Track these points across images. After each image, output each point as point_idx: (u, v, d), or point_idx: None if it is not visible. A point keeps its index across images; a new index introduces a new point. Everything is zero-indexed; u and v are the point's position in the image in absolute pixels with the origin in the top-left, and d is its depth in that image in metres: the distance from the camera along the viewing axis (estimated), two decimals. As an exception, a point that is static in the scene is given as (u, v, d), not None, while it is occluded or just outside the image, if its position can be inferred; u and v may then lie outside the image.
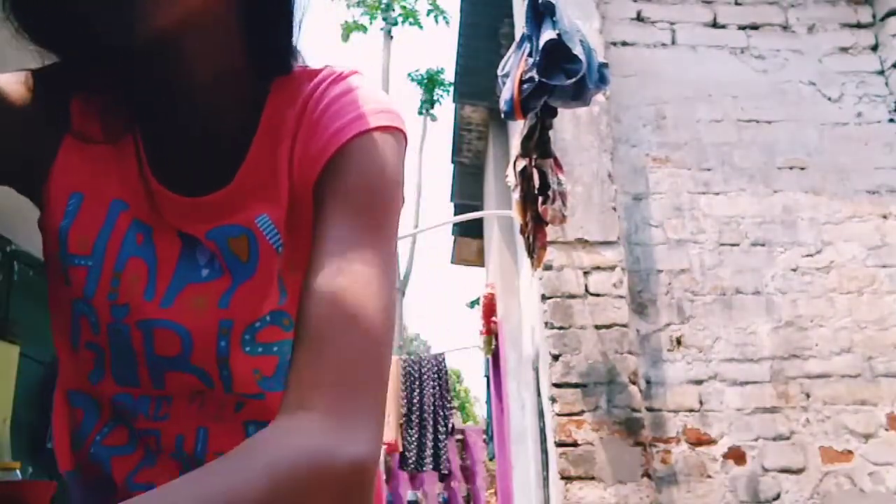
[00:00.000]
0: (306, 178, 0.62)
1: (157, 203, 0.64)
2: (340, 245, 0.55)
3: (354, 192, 0.59)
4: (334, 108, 0.63)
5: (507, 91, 2.92)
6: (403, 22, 16.16)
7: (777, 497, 3.15)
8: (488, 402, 7.40)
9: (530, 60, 2.82)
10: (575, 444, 3.06)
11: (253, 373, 0.65)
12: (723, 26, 3.92)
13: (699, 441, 3.21)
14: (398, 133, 0.63)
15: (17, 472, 2.93)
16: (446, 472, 7.90)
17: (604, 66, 2.89)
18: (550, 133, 3.04)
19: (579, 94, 2.83)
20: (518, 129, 3.18)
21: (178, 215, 0.64)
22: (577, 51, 2.75)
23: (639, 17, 3.90)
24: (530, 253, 3.19)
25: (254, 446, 0.44)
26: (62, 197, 0.62)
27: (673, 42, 3.88)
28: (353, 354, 0.50)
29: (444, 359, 7.71)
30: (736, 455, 3.20)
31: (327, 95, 0.64)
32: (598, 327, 3.23)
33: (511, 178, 3.12)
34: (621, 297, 3.29)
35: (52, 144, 0.63)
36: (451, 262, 8.59)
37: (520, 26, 3.20)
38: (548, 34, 2.75)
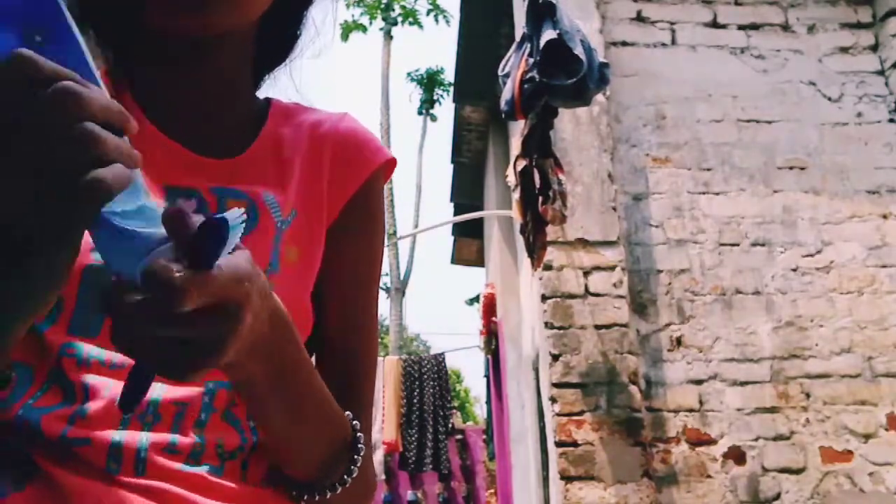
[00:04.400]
0: (337, 195, 0.71)
1: (153, 156, 0.62)
2: (371, 285, 0.75)
3: (380, 224, 0.75)
4: (360, 141, 0.74)
5: (508, 91, 2.92)
6: (403, 22, 16.16)
7: (777, 497, 3.15)
8: (488, 402, 7.40)
9: (531, 60, 2.82)
10: (575, 444, 3.06)
11: None
12: (723, 26, 3.92)
13: (699, 441, 3.21)
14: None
15: None
16: (446, 472, 7.90)
17: (604, 65, 2.89)
18: (550, 133, 3.04)
19: (580, 94, 2.83)
20: (518, 129, 3.18)
21: (179, 168, 0.64)
22: (578, 51, 2.75)
23: (639, 17, 3.90)
24: (530, 253, 3.19)
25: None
26: None
27: (673, 42, 3.88)
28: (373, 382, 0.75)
29: (444, 359, 7.71)
30: (736, 455, 3.20)
31: (345, 128, 0.74)
32: (598, 327, 3.23)
33: (511, 178, 3.12)
34: (621, 297, 3.29)
35: None
36: (451, 262, 8.59)
37: (520, 26, 3.20)
38: (548, 34, 2.75)
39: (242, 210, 0.43)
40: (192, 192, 0.64)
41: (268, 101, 0.76)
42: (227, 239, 0.41)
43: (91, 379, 0.57)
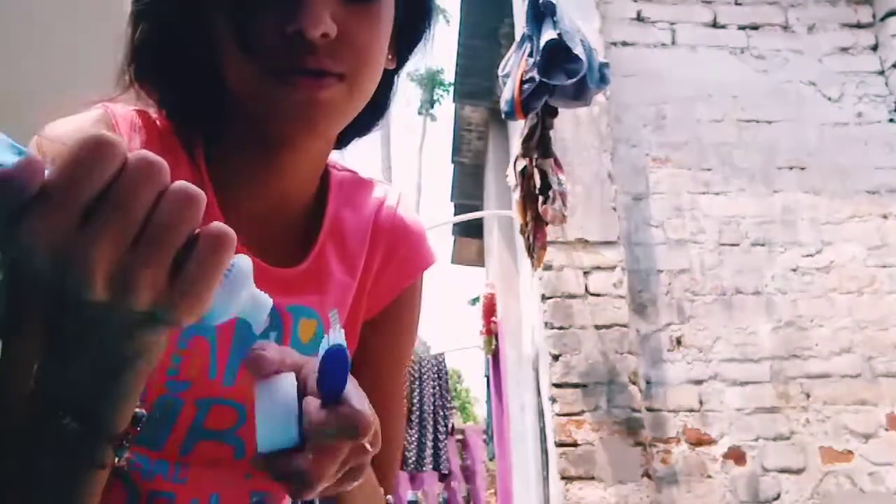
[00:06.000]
0: (384, 292, 0.74)
1: None
2: (404, 363, 0.79)
3: (415, 323, 0.80)
4: (412, 242, 0.76)
5: (508, 91, 2.92)
6: (403, 22, 16.11)
7: (777, 497, 3.15)
8: (488, 402, 7.40)
9: (531, 60, 2.82)
10: (575, 444, 3.06)
11: None
12: (723, 26, 3.92)
13: (699, 441, 3.21)
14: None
15: None
16: (446, 472, 7.89)
17: (604, 65, 2.89)
18: (550, 133, 3.04)
19: (580, 94, 2.83)
20: (518, 129, 3.18)
21: (257, 280, 0.64)
22: (578, 50, 2.75)
23: (639, 17, 3.90)
24: (530, 253, 3.19)
25: None
26: None
27: (673, 42, 3.88)
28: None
29: (444, 359, 7.70)
30: (736, 455, 3.20)
31: (400, 223, 0.76)
32: (598, 327, 3.23)
33: (511, 178, 3.12)
34: (621, 297, 3.29)
35: None
36: (451, 262, 8.59)
37: (520, 26, 3.20)
38: (548, 34, 2.75)
39: (340, 327, 0.47)
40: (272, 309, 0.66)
41: (325, 172, 0.74)
42: (349, 364, 0.45)
43: (154, 491, 0.62)
